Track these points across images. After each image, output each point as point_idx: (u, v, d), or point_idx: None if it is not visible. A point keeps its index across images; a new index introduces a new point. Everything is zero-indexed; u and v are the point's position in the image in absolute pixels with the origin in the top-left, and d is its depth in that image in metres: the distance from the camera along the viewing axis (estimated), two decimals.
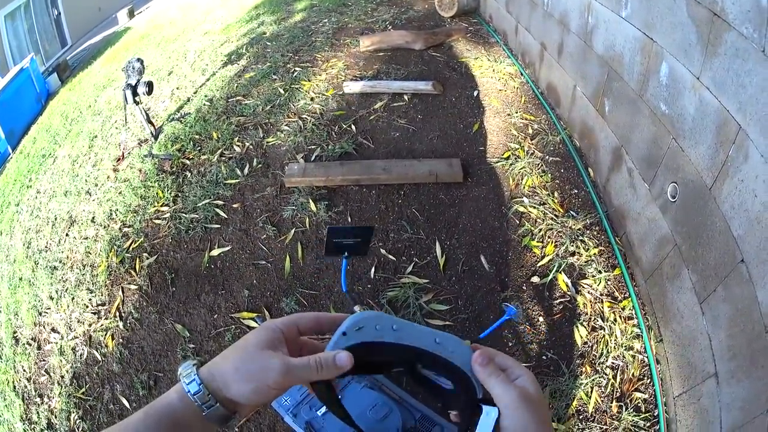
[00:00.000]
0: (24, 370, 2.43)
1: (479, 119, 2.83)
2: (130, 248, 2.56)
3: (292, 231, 2.28)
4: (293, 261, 2.20)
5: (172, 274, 2.35)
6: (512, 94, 3.06)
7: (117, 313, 2.36)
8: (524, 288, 2.10)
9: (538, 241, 2.22)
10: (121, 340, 2.27)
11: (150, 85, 3.01)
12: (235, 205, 2.49)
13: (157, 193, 2.78)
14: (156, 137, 3.27)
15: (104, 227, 2.80)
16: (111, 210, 2.87)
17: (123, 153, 3.28)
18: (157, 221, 2.64)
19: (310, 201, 2.35)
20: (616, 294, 2.00)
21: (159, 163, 2.99)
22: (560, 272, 2.08)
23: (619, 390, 1.76)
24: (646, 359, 1.82)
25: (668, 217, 1.69)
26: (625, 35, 1.96)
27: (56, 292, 2.63)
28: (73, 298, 2.53)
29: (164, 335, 2.20)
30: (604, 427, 1.70)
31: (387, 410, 1.57)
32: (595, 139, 2.36)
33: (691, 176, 1.53)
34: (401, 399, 1.66)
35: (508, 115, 2.87)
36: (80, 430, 2.10)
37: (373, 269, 2.10)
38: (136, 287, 2.39)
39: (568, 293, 2.02)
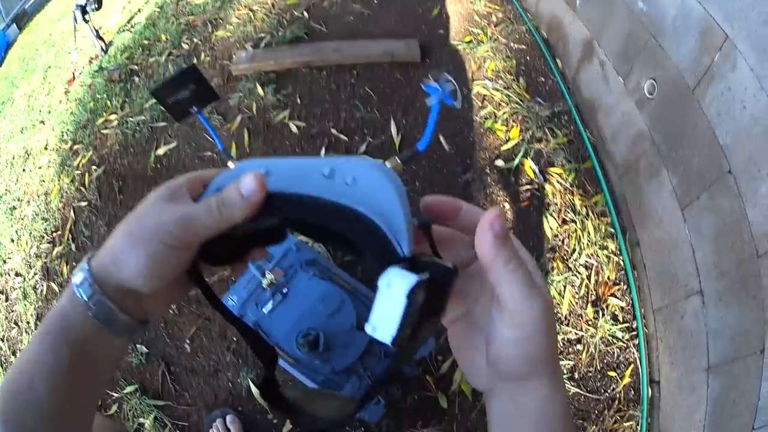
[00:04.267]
0: None
1: (440, 4, 2.43)
2: (80, 165, 2.26)
3: (239, 117, 1.96)
4: (240, 147, 1.91)
5: (120, 181, 2.08)
6: None
7: (69, 236, 2.11)
8: (488, 171, 1.84)
9: (502, 125, 1.93)
10: (74, 264, 2.04)
11: (99, 1, 2.58)
12: None
13: (105, 104, 2.45)
14: (105, 51, 2.90)
15: (56, 150, 2.49)
16: (62, 132, 2.56)
17: (74, 74, 2.93)
18: (105, 131, 2.31)
19: (258, 86, 2.01)
20: (588, 187, 1.76)
21: (108, 75, 2.65)
22: (527, 158, 1.82)
23: (594, 293, 1.57)
24: (621, 262, 1.61)
25: (645, 113, 1.48)
26: None
27: (16, 232, 2.36)
28: (30, 233, 2.28)
29: None
30: (580, 333, 1.52)
31: (339, 302, 1.29)
32: (564, 31, 2.02)
33: (672, 75, 1.32)
34: (355, 289, 1.39)
35: (471, 2, 2.47)
36: None
37: (323, 150, 1.81)
38: (86, 203, 2.12)
39: (536, 180, 1.77)
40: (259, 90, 1.99)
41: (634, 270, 1.60)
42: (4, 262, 2.30)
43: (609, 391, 1.48)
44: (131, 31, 2.95)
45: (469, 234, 0.32)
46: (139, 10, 3.19)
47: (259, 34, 2.28)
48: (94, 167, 2.17)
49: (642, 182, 1.53)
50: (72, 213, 2.13)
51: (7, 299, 2.20)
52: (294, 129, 1.85)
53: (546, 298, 0.29)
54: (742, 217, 1.08)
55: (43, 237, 2.19)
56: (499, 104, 1.98)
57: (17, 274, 2.22)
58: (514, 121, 1.93)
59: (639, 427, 1.43)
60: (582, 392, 1.46)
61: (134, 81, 2.45)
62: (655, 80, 1.40)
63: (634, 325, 1.54)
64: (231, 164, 0.40)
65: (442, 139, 1.86)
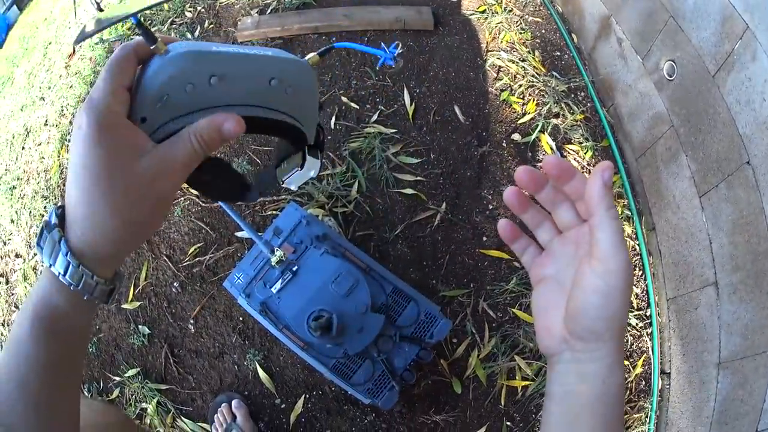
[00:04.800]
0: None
1: None
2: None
3: None
4: None
5: None
6: None
7: None
8: (504, 145, 1.72)
9: (518, 98, 1.81)
10: None
11: None
12: None
13: None
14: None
15: (56, 126, 2.38)
16: (62, 107, 2.44)
17: (74, 48, 2.83)
18: None
19: None
20: (598, 155, 1.67)
21: (109, 47, 2.54)
22: (544, 133, 1.71)
23: None
24: (637, 247, 1.56)
25: (664, 95, 1.43)
26: None
27: (16, 212, 2.26)
28: (30, 212, 2.18)
29: None
30: None
31: (352, 282, 1.19)
32: (580, 5, 1.89)
33: (692, 59, 1.28)
34: (369, 268, 1.29)
35: None
36: None
37: (333, 118, 1.69)
38: None
39: (553, 156, 1.64)
40: None
41: (650, 256, 1.54)
42: (5, 243, 2.21)
43: None
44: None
45: (576, 199, 0.37)
46: None
47: (265, 0, 2.14)
48: None
49: (660, 166, 1.47)
50: None
51: (7, 282, 2.11)
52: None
53: (629, 258, 0.32)
54: (759, 210, 1.05)
55: (43, 216, 2.09)
56: (515, 77, 1.86)
57: (17, 256, 2.13)
58: (530, 95, 1.81)
59: (648, 419, 1.40)
60: None
61: None
62: (675, 62, 1.35)
63: (648, 313, 1.49)
64: (160, 46, 0.33)
65: (457, 110, 1.74)
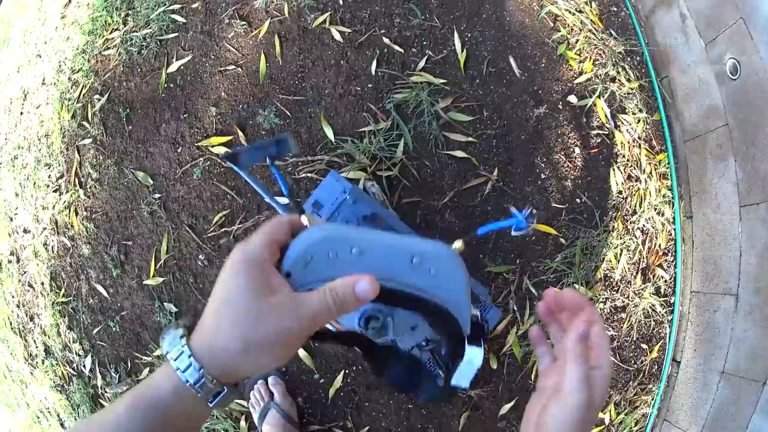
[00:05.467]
0: (13, 296, 2.01)
1: None
2: (81, 96, 1.90)
3: (267, 22, 1.54)
4: (270, 60, 1.52)
5: (127, 109, 1.72)
6: None
7: (76, 180, 1.82)
8: (560, 107, 1.55)
9: (576, 54, 1.59)
10: (84, 214, 1.79)
11: None
12: (194, 5, 1.71)
13: (105, 21, 2.02)
14: None
15: (54, 84, 2.11)
16: (59, 62, 2.14)
17: None
18: (106, 52, 1.91)
19: None
20: (654, 143, 1.55)
21: None
22: (600, 98, 1.53)
23: (645, 260, 1.50)
24: (673, 232, 1.52)
25: (724, 90, 1.33)
26: None
27: (20, 184, 2.08)
28: (34, 183, 1.99)
29: (126, 190, 1.67)
30: (626, 301, 1.48)
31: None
32: None
33: (758, 70, 1.20)
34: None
35: None
36: (72, 342, 1.79)
37: (374, 63, 1.45)
38: (91, 140, 1.79)
39: (607, 126, 1.53)
40: None
41: (684, 244, 1.50)
42: (11, 219, 2.05)
43: (638, 363, 1.48)
44: None
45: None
46: None
47: None
48: (96, 96, 1.81)
49: (708, 158, 1.41)
50: (76, 153, 1.81)
51: (18, 260, 1.99)
52: (337, 36, 1.47)
53: (590, 400, 0.37)
54: None
55: (48, 186, 1.91)
56: (572, 29, 1.62)
57: (26, 231, 1.99)
58: (587, 52, 1.60)
59: (653, 402, 1.46)
60: (616, 361, 1.46)
61: None
62: (739, 64, 1.27)
63: (672, 300, 1.49)
64: (304, 219, 0.41)
65: (512, 61, 1.51)
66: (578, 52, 1.60)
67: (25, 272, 1.95)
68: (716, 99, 1.34)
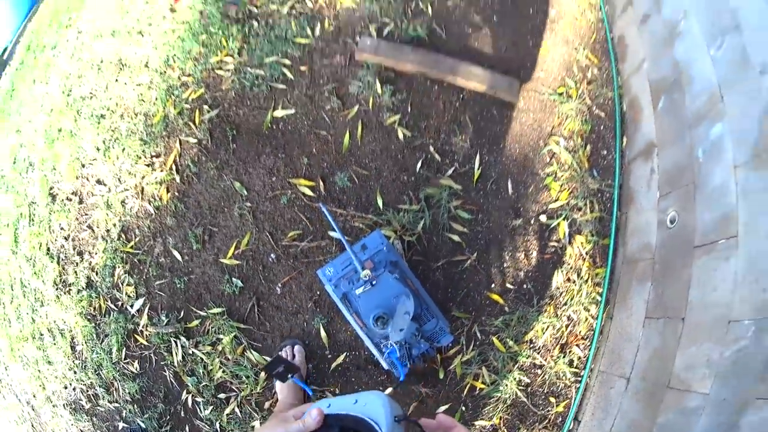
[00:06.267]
0: (61, 229, 2.14)
1: (548, 43, 2.54)
2: (189, 99, 2.26)
3: (356, 108, 2.15)
4: (352, 138, 2.12)
5: (234, 130, 2.17)
6: (585, 28, 2.69)
7: (173, 166, 2.14)
8: (532, 222, 2.14)
9: (558, 185, 2.18)
10: (176, 194, 2.10)
11: None
12: (302, 68, 2.25)
13: (220, 41, 2.39)
14: None
15: (160, 74, 2.38)
16: (168, 56, 2.42)
17: None
18: (219, 72, 2.31)
19: (377, 82, 2.17)
20: (597, 260, 2.04)
21: (225, 9, 2.48)
22: (564, 220, 2.12)
23: (565, 338, 1.95)
24: (593, 325, 1.94)
25: (660, 234, 1.71)
26: None
27: (103, 142, 2.26)
28: (123, 149, 2.22)
29: (222, 191, 2.08)
30: (543, 362, 1.92)
31: (406, 299, 1.72)
32: (639, 116, 2.15)
33: (688, 226, 1.51)
34: (417, 291, 1.82)
35: (575, 49, 2.56)
36: (125, 284, 2.00)
37: (419, 163, 2.09)
38: (195, 141, 2.17)
39: (563, 241, 2.09)
40: (378, 87, 2.15)
41: (601, 335, 1.95)
42: (83, 165, 2.23)
43: (545, 410, 1.87)
44: None
45: None
46: None
47: (384, 18, 2.32)
48: (206, 107, 2.22)
49: (633, 278, 1.84)
50: (178, 145, 2.17)
51: (81, 201, 2.18)
52: (401, 136, 2.08)
53: None
54: (671, 357, 1.41)
55: (140, 158, 2.17)
56: (563, 165, 2.25)
57: (99, 182, 2.19)
58: (567, 185, 2.17)
59: None
60: (527, 403, 1.87)
61: (253, 26, 2.42)
62: (678, 218, 1.60)
63: (582, 373, 1.89)
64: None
65: (509, 183, 2.16)
66: (560, 184, 2.22)
67: (87, 215, 2.12)
68: (652, 239, 1.72)
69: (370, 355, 1.97)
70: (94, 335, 2.05)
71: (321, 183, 2.07)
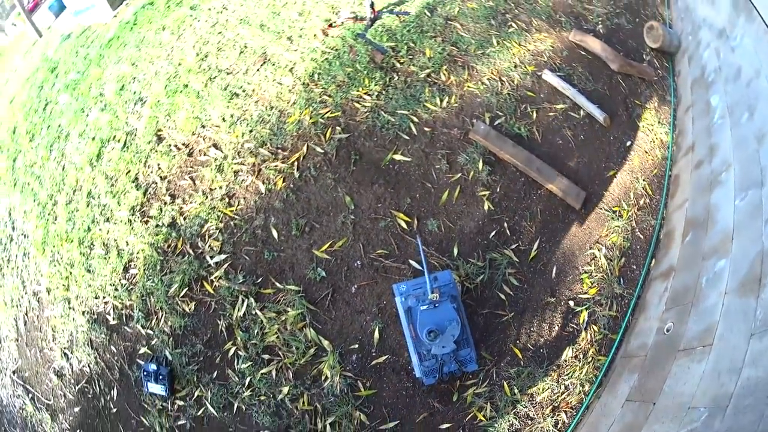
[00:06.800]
0: (158, 168, 2.33)
1: (618, 169, 3.08)
2: (326, 116, 2.68)
3: (459, 175, 2.71)
4: (449, 196, 2.67)
5: (357, 155, 2.65)
6: (651, 162, 3.23)
7: (295, 164, 2.51)
8: (562, 304, 2.61)
9: (590, 281, 2.66)
10: (291, 186, 2.44)
11: None
12: (426, 129, 2.79)
13: (363, 80, 2.86)
14: (372, 22, 3.15)
15: (303, 84, 2.76)
16: (314, 72, 2.81)
17: (337, 22, 3.09)
18: (357, 105, 2.77)
19: (480, 160, 2.73)
20: (602, 350, 2.47)
21: (372, 52, 2.97)
22: (586, 310, 2.56)
23: (558, 403, 2.33)
24: (583, 400, 2.35)
25: (655, 338, 2.21)
26: None
27: (231, 116, 2.52)
28: (251, 130, 2.51)
29: (333, 199, 2.51)
30: (534, 416, 2.33)
31: (456, 325, 2.25)
32: (671, 251, 2.61)
33: (678, 337, 1.93)
34: (465, 322, 2.35)
35: (636, 179, 3.11)
36: (212, 238, 2.21)
37: (494, 232, 2.62)
38: (322, 151, 2.59)
39: (581, 326, 2.55)
40: (480, 165, 2.70)
41: (587, 410, 2.41)
42: (203, 126, 2.44)
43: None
44: (399, 17, 3.26)
45: None
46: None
47: (498, 111, 2.89)
48: (338, 128, 2.67)
49: (625, 371, 2.29)
50: (305, 148, 2.57)
51: (190, 154, 2.39)
52: (486, 207, 2.61)
53: None
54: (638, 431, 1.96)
55: (265, 144, 2.48)
56: (600, 267, 2.77)
57: (215, 146, 2.42)
58: (598, 284, 2.65)
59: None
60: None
61: (393, 78, 2.95)
62: (673, 328, 1.96)
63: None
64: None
65: (554, 268, 2.69)
66: (593, 282, 2.72)
67: (192, 168, 2.28)
68: (649, 341, 2.12)
69: (407, 363, 2.46)
70: (158, 267, 2.21)
71: (416, 221, 2.61)
